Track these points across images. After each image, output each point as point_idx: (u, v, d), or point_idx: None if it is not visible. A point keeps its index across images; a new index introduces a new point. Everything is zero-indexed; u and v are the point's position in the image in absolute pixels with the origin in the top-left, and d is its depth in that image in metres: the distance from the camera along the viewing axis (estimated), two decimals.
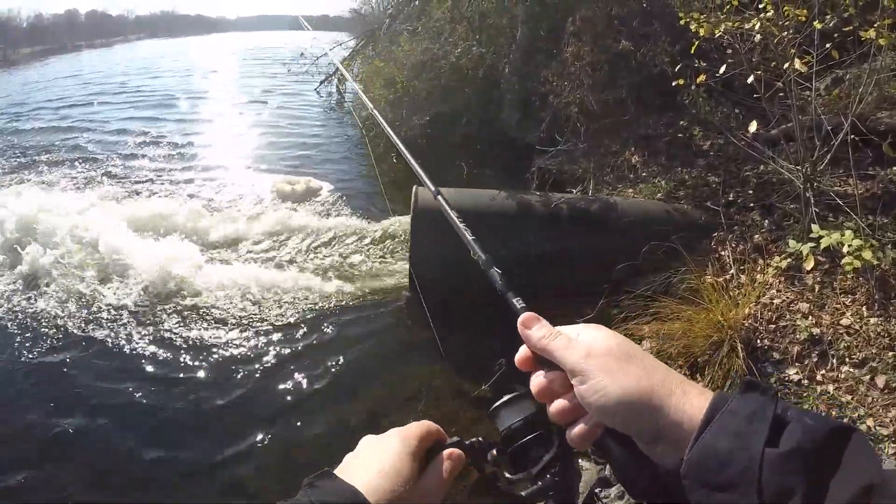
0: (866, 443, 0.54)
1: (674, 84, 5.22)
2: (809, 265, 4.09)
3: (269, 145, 11.18)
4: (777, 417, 0.55)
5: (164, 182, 8.99)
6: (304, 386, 4.63)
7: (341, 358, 4.91)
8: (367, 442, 0.77)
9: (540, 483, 0.72)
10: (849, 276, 4.15)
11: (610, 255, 4.36)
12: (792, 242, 4.42)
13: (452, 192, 5.53)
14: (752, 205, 5.44)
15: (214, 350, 4.98)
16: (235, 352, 4.98)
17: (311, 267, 6.26)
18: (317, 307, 5.53)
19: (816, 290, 4.24)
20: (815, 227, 4.28)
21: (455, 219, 1.07)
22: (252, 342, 5.09)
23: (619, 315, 4.51)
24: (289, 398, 4.51)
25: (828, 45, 4.11)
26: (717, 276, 4.57)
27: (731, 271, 4.66)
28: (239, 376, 4.70)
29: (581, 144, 5.26)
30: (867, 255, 3.95)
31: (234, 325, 5.30)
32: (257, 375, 4.71)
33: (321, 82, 14.73)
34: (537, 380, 0.71)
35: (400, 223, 6.76)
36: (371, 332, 5.26)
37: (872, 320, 3.92)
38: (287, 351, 4.99)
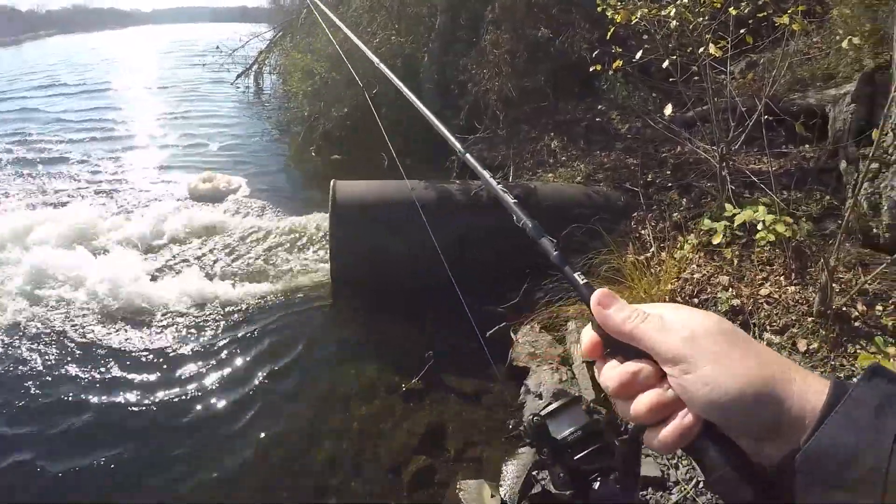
0: None
1: (591, 70, 5.26)
2: (717, 240, 4.20)
3: (184, 144, 10.70)
4: None
5: (76, 189, 8.40)
6: (235, 394, 4.43)
7: (271, 362, 4.74)
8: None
9: (602, 492, 0.63)
10: (765, 248, 4.29)
11: (530, 238, 4.32)
12: (706, 221, 4.53)
13: (373, 184, 5.43)
14: (670, 185, 5.59)
15: (134, 363, 4.71)
16: (158, 362, 4.72)
17: (232, 270, 6.01)
18: (241, 312, 5.32)
19: (735, 263, 4.38)
20: (727, 206, 4.40)
21: (491, 181, 0.93)
22: (175, 352, 4.84)
23: (543, 299, 4.54)
24: (220, 408, 4.31)
25: (742, 31, 4.21)
26: (638, 254, 4.65)
27: (652, 249, 4.75)
28: (162, 390, 4.46)
29: (500, 131, 5.27)
30: (780, 228, 4.09)
31: (155, 334, 5.03)
32: (185, 387, 4.48)
33: (238, 76, 14.27)
34: (615, 371, 0.58)
35: (321, 218, 6.59)
36: (299, 333, 5.10)
37: (791, 289, 4.08)
38: (213, 360, 4.76)
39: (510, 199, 0.86)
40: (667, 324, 0.56)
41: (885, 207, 4.16)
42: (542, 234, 0.79)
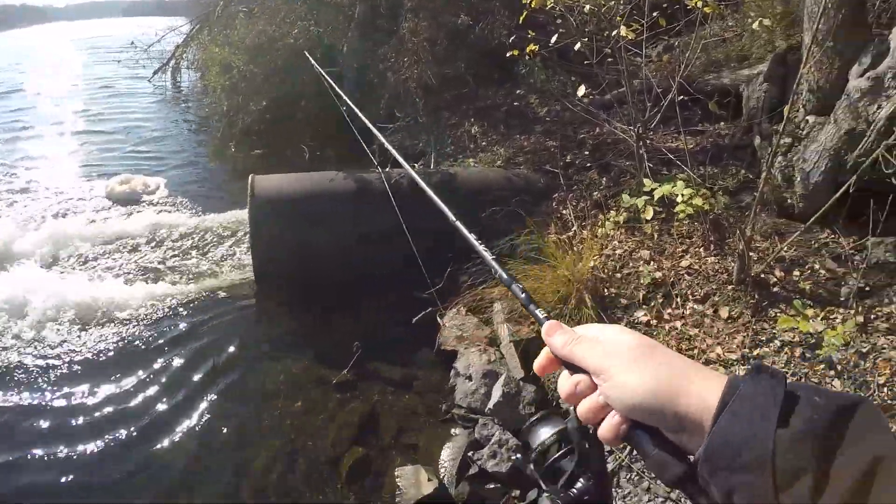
0: (876, 414, 0.55)
1: (508, 55, 5.29)
2: (649, 215, 4.34)
3: (101, 145, 10.11)
4: (788, 396, 0.56)
5: None
6: (162, 398, 4.28)
7: (197, 364, 4.60)
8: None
9: (574, 491, 0.73)
10: (684, 222, 4.43)
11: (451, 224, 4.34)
12: (625, 197, 4.65)
13: (292, 177, 5.33)
14: (589, 165, 5.71)
15: (55, 371, 4.49)
16: (81, 370, 4.51)
17: (153, 272, 5.78)
18: (164, 314, 5.13)
19: (655, 237, 4.52)
20: (646, 181, 4.52)
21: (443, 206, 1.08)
22: (97, 359, 4.63)
23: (468, 282, 4.56)
24: (146, 413, 4.15)
25: (654, 14, 4.30)
26: (560, 234, 4.72)
27: (574, 228, 4.83)
28: (87, 398, 4.27)
29: (420, 119, 5.25)
30: (698, 201, 4.25)
31: (76, 341, 4.79)
32: (109, 396, 4.29)
33: (155, 72, 13.74)
34: (563, 383, 0.72)
35: (242, 214, 6.41)
36: (224, 333, 4.96)
37: (710, 259, 4.24)
38: (137, 366, 4.57)
39: (469, 235, 1.00)
40: (593, 343, 0.69)
41: (798, 179, 4.36)
42: (512, 281, 0.89)
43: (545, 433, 0.78)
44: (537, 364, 0.77)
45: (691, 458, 0.61)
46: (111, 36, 23.62)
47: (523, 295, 0.84)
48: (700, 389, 0.61)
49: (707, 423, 0.59)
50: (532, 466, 0.79)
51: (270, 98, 8.41)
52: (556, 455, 0.76)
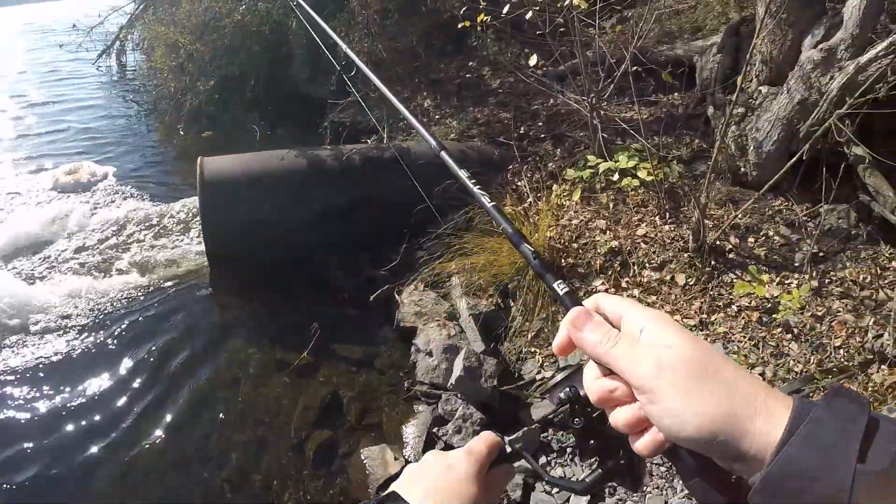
0: None
1: (460, 27, 5.22)
2: (576, 197, 4.36)
3: (46, 133, 9.71)
4: (870, 425, 0.47)
5: None
6: (119, 393, 4.16)
7: (154, 355, 4.47)
8: (434, 459, 0.72)
9: (601, 470, 0.66)
10: (639, 191, 4.45)
11: (406, 199, 4.31)
12: (570, 171, 4.67)
13: (242, 157, 5.19)
14: (543, 136, 5.70)
15: (11, 370, 4.33)
16: (35, 368, 4.35)
17: (105, 263, 5.57)
18: (117, 305, 4.97)
19: (611, 207, 4.53)
20: (590, 157, 4.53)
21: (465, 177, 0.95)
22: (52, 355, 4.47)
23: (423, 257, 4.52)
24: (104, 409, 4.03)
25: None
26: (515, 205, 4.69)
27: (529, 199, 4.81)
28: (43, 396, 4.14)
29: (372, 94, 5.14)
30: (643, 174, 4.28)
31: (28, 339, 4.63)
32: (64, 391, 4.16)
33: (99, 55, 13.23)
34: (594, 384, 0.61)
35: (193, 199, 6.24)
36: (180, 321, 4.83)
37: (666, 227, 4.28)
38: (92, 359, 4.43)
39: (488, 203, 0.89)
40: (637, 350, 0.57)
41: (751, 148, 4.44)
42: (521, 240, 0.82)
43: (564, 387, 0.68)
44: (557, 343, 0.65)
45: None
46: (54, 19, 22.76)
47: (536, 261, 0.76)
48: (769, 424, 0.50)
49: (770, 455, 0.49)
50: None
51: (219, 77, 8.17)
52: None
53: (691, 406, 0.52)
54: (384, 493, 0.66)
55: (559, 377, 0.69)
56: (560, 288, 0.68)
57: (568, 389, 0.67)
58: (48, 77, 14.06)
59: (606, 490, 3.01)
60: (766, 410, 0.51)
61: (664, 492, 2.99)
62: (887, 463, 0.45)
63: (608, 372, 0.60)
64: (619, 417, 0.59)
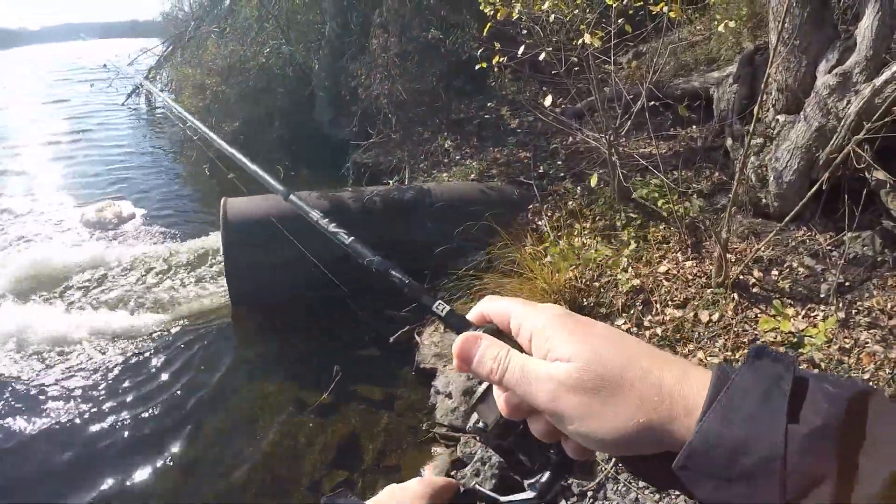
0: (891, 406, 0.43)
1: (477, 68, 5.29)
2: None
3: (75, 171, 9.98)
4: (797, 384, 0.44)
5: None
6: (141, 428, 4.20)
7: (175, 392, 4.51)
8: (391, 490, 0.71)
9: (550, 470, 0.62)
10: (660, 227, 4.41)
11: (427, 240, 4.34)
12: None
13: (260, 199, 5.27)
14: (563, 174, 5.71)
15: (41, 409, 4.37)
16: (55, 406, 4.39)
17: (131, 301, 5.65)
18: (142, 343, 5.03)
19: (632, 244, 4.47)
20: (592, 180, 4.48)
21: (318, 219, 0.91)
22: (73, 389, 4.52)
23: (444, 298, 4.51)
24: (126, 443, 4.07)
25: (620, 20, 4.31)
26: (536, 245, 4.69)
27: (550, 239, 4.81)
28: (71, 432, 4.17)
29: (393, 135, 5.23)
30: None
31: (52, 373, 4.68)
32: (86, 426, 4.20)
33: (129, 95, 13.64)
34: (500, 399, 0.57)
35: (216, 239, 6.33)
36: (202, 359, 4.87)
37: (688, 263, 4.24)
38: (115, 396, 4.48)
39: (346, 239, 0.85)
40: (529, 372, 0.52)
41: (772, 178, 4.39)
42: (389, 266, 0.77)
43: (497, 408, 0.61)
44: (455, 367, 0.60)
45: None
46: (85, 58, 23.46)
47: (407, 281, 0.72)
48: (685, 412, 0.47)
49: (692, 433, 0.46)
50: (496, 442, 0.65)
51: (244, 118, 8.36)
52: (517, 431, 0.62)
53: (601, 426, 0.49)
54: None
55: (480, 389, 0.64)
56: (440, 309, 0.64)
57: (477, 423, 0.64)
58: (77, 114, 14.46)
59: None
60: (680, 401, 0.48)
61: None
62: (818, 422, 0.42)
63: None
64: (535, 429, 0.56)
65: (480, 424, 0.64)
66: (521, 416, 0.57)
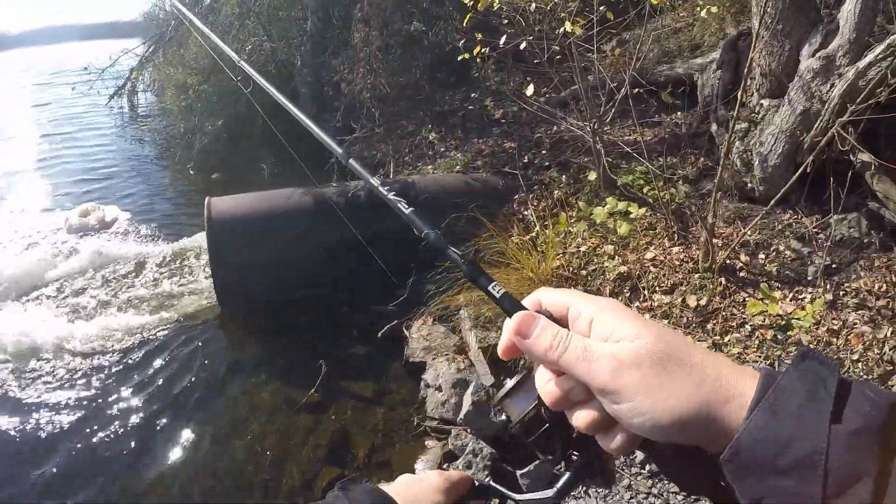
0: None
1: (459, 59, 5.25)
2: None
3: (58, 175, 9.86)
4: (841, 387, 0.47)
5: None
6: (129, 433, 4.16)
7: (162, 395, 4.47)
8: (408, 480, 0.73)
9: (570, 471, 0.62)
10: (646, 214, 4.41)
11: (413, 233, 4.29)
12: (582, 204, 4.67)
13: (249, 196, 5.23)
14: (548, 164, 5.70)
15: (27, 412, 4.33)
16: (43, 410, 4.35)
17: (117, 303, 5.62)
18: (127, 347, 4.98)
19: (624, 226, 4.46)
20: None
21: (377, 185, 0.89)
22: (60, 397, 4.47)
23: (431, 290, 4.51)
24: (113, 449, 4.02)
25: (602, 8, 4.29)
26: (522, 235, 4.68)
27: (536, 228, 4.80)
28: (59, 437, 4.13)
29: (377, 129, 5.19)
30: (634, 210, 4.26)
31: (38, 378, 4.64)
32: (75, 431, 4.17)
33: (111, 97, 13.48)
34: (547, 386, 0.57)
35: (202, 239, 6.28)
36: (190, 361, 4.83)
37: (675, 249, 4.24)
38: (103, 399, 4.44)
39: (405, 209, 0.83)
40: (590, 351, 0.53)
41: (757, 162, 4.40)
42: (446, 245, 0.76)
43: (525, 404, 0.63)
44: (501, 348, 0.60)
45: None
46: (67, 61, 23.26)
47: (465, 264, 0.71)
48: (742, 406, 0.49)
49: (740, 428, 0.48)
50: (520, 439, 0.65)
51: (227, 117, 8.28)
52: (542, 430, 0.62)
53: (660, 402, 0.50)
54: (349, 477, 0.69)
55: (510, 384, 0.65)
56: (496, 290, 0.64)
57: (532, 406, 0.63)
58: (59, 117, 14.33)
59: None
60: (735, 389, 0.50)
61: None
62: (860, 423, 0.45)
63: (561, 372, 0.56)
64: (580, 419, 0.55)
65: (503, 418, 0.66)
66: (564, 406, 0.57)
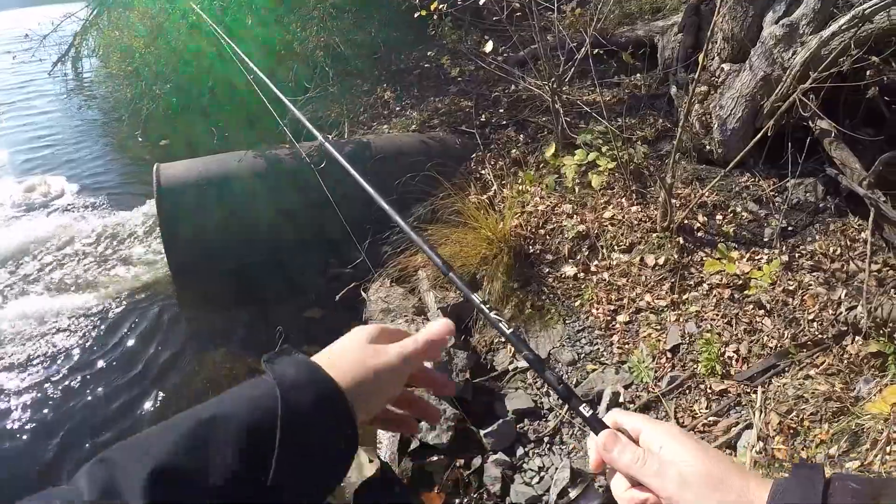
0: None
1: (416, 16, 5.13)
2: (570, 174, 4.30)
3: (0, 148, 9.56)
4: (827, 484, 0.59)
5: None
6: (89, 414, 4.04)
7: (121, 373, 4.34)
8: (370, 331, 0.76)
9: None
10: (604, 173, 4.41)
11: (367, 194, 4.20)
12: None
13: (199, 161, 5.05)
14: (505, 123, 5.65)
15: None
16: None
17: (67, 280, 5.39)
18: (80, 326, 4.80)
19: (577, 191, 4.47)
20: (549, 151, 4.47)
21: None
22: (11, 383, 4.31)
23: (388, 252, 4.44)
24: (73, 431, 3.91)
25: None
26: (480, 194, 4.64)
27: (493, 188, 4.75)
28: (16, 422, 4.01)
29: (332, 88, 5.04)
30: (603, 163, 4.26)
31: None
32: (29, 417, 4.03)
33: (54, 64, 12.88)
34: (625, 494, 0.70)
35: (152, 208, 6.05)
36: (146, 335, 4.70)
37: (633, 209, 4.26)
38: (56, 382, 4.28)
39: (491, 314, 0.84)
40: (663, 467, 0.66)
41: (716, 125, 4.46)
42: (543, 367, 0.80)
43: None
44: (593, 463, 0.73)
45: None
46: (7, 30, 22.25)
47: (561, 387, 0.77)
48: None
49: None
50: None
51: (174, 82, 7.96)
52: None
53: None
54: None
55: (573, 494, 0.78)
56: (586, 411, 0.74)
57: None
58: (1, 91, 13.70)
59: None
60: (757, 497, 0.62)
61: None
62: None
63: (636, 483, 0.68)
64: None
65: None
66: None
